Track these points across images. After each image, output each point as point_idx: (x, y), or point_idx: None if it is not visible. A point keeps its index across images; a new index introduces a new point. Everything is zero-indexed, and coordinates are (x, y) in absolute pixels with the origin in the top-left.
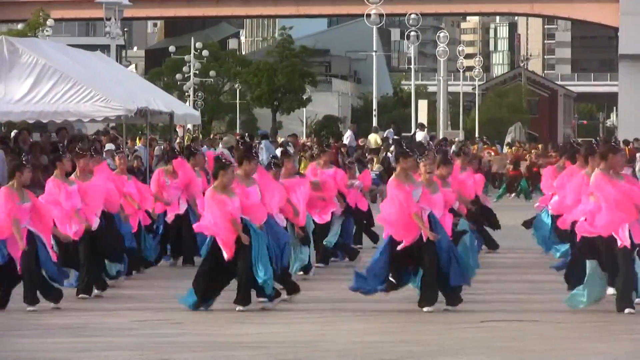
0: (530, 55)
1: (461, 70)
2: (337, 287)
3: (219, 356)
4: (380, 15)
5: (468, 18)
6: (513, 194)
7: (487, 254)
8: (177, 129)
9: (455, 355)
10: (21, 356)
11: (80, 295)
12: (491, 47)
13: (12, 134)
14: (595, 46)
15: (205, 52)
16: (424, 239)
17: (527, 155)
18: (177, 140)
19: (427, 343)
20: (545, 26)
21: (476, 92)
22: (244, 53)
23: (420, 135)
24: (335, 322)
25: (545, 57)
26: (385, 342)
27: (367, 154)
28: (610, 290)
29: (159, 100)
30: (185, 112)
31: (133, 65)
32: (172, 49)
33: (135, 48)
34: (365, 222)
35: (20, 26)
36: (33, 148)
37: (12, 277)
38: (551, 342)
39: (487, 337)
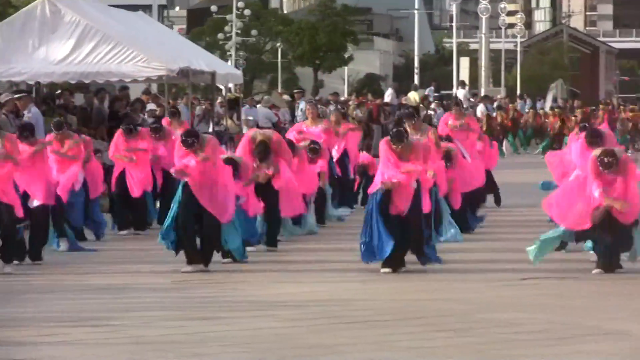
0: (572, 12)
1: (503, 28)
2: None
3: (260, 315)
4: None
5: None
6: None
7: (519, 213)
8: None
9: (496, 312)
10: (63, 316)
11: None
12: (533, 4)
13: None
14: (637, 2)
15: (247, 11)
16: None
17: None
18: (219, 100)
19: (468, 301)
20: None
21: (518, 50)
22: (285, 12)
23: (461, 93)
24: (375, 281)
25: (587, 13)
26: (425, 299)
27: None
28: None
29: (200, 59)
30: (227, 71)
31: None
32: (214, 8)
33: (177, 8)
34: None
35: None
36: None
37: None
38: (593, 299)
39: (528, 294)
